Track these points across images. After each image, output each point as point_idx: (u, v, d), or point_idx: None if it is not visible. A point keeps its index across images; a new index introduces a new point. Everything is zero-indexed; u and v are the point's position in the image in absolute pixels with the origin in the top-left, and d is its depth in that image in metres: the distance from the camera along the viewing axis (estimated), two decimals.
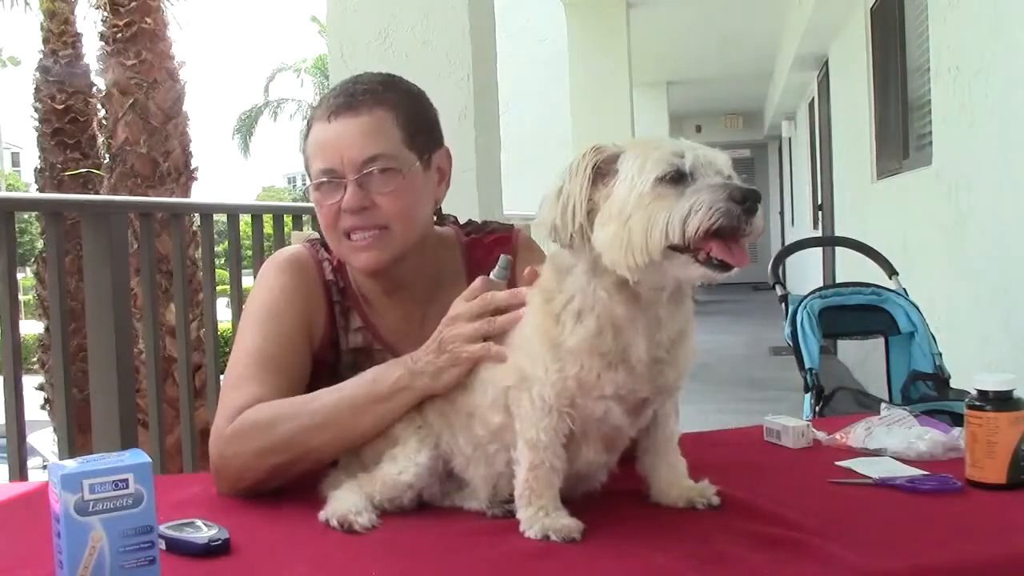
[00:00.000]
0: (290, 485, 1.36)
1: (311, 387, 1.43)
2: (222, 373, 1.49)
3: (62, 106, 8.54)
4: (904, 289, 3.09)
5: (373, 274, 1.50)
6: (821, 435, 1.59)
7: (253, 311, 1.49)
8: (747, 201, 1.08)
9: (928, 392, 2.79)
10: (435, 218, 1.61)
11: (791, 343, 2.95)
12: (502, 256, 1.38)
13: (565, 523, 1.16)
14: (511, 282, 1.37)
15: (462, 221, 1.69)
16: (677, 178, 1.11)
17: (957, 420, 1.50)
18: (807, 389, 2.86)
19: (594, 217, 1.14)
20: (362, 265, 1.47)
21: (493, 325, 1.27)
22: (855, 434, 1.55)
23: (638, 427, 1.25)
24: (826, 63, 8.93)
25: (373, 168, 1.43)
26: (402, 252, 1.48)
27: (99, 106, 7.79)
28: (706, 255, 1.09)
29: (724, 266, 1.10)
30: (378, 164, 1.44)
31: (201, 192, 8.51)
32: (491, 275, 1.35)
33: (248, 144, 28.84)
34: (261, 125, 28.96)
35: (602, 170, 1.16)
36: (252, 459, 1.33)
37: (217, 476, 1.37)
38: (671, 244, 1.09)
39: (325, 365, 1.50)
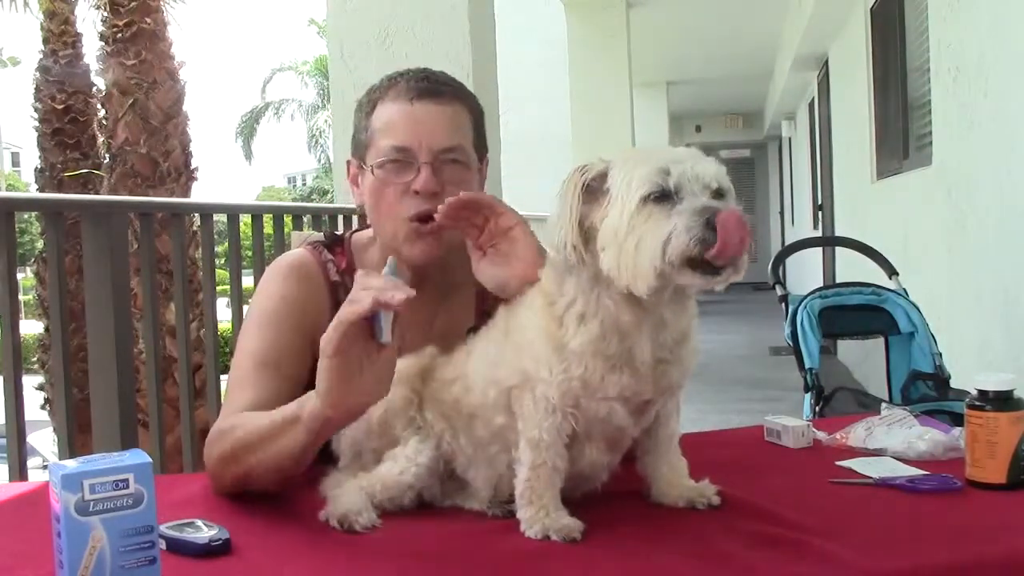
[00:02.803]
0: (289, 485, 1.36)
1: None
2: (222, 373, 1.50)
3: (62, 106, 8.53)
4: (904, 289, 3.10)
5: (421, 266, 1.50)
6: (821, 435, 1.59)
7: (254, 316, 1.50)
8: None
9: (928, 392, 2.79)
10: None
11: (791, 343, 2.95)
12: (390, 258, 1.26)
13: (566, 523, 1.16)
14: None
15: None
16: (662, 197, 1.11)
17: (957, 420, 1.50)
18: (807, 389, 2.86)
19: (594, 234, 1.15)
20: (418, 254, 1.48)
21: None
22: (855, 434, 1.54)
23: (641, 427, 1.25)
24: (826, 63, 8.93)
25: (448, 157, 1.46)
26: (447, 249, 1.49)
27: (99, 106, 7.79)
28: (701, 262, 1.09)
29: (717, 270, 1.09)
30: (453, 155, 1.47)
31: (201, 192, 8.51)
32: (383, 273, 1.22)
33: (250, 147, 28.89)
34: (262, 125, 29.02)
35: (593, 187, 1.16)
36: (218, 466, 1.34)
37: (209, 478, 1.39)
38: (658, 268, 1.09)
39: None
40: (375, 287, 1.12)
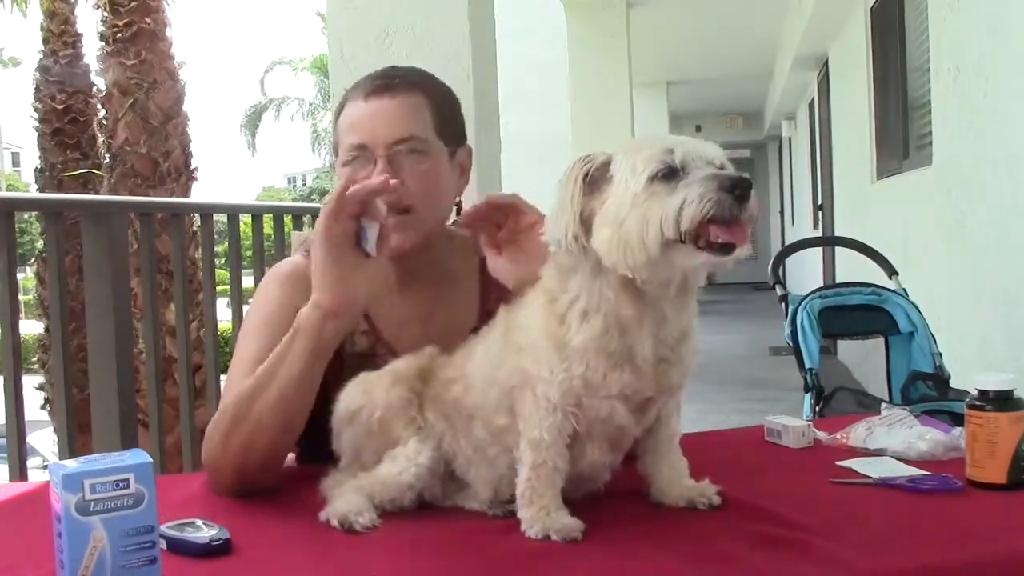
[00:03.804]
0: (289, 485, 1.36)
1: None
2: (222, 373, 1.51)
3: (62, 106, 8.54)
4: (904, 289, 3.10)
5: (396, 257, 1.51)
6: (821, 435, 1.59)
7: (251, 322, 1.52)
8: (736, 189, 1.08)
9: (928, 392, 2.80)
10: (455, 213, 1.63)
11: (791, 343, 2.95)
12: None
13: (566, 523, 1.16)
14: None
15: None
16: (669, 174, 1.11)
17: (957, 420, 1.50)
18: (807, 389, 2.86)
19: (592, 223, 1.15)
20: (394, 245, 1.48)
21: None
22: (855, 434, 1.54)
23: (642, 427, 1.25)
24: (826, 63, 8.93)
25: (403, 148, 1.48)
26: (424, 237, 1.50)
27: (99, 106, 7.79)
28: (707, 241, 1.09)
29: (726, 248, 1.10)
30: (409, 144, 1.48)
31: (204, 191, 8.53)
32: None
33: (254, 141, 28.93)
34: (264, 124, 29.04)
35: (595, 178, 1.16)
36: (221, 445, 1.34)
37: (208, 476, 1.40)
38: (668, 239, 1.09)
39: (329, 371, 1.50)
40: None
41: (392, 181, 1.31)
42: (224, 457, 1.34)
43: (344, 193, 1.28)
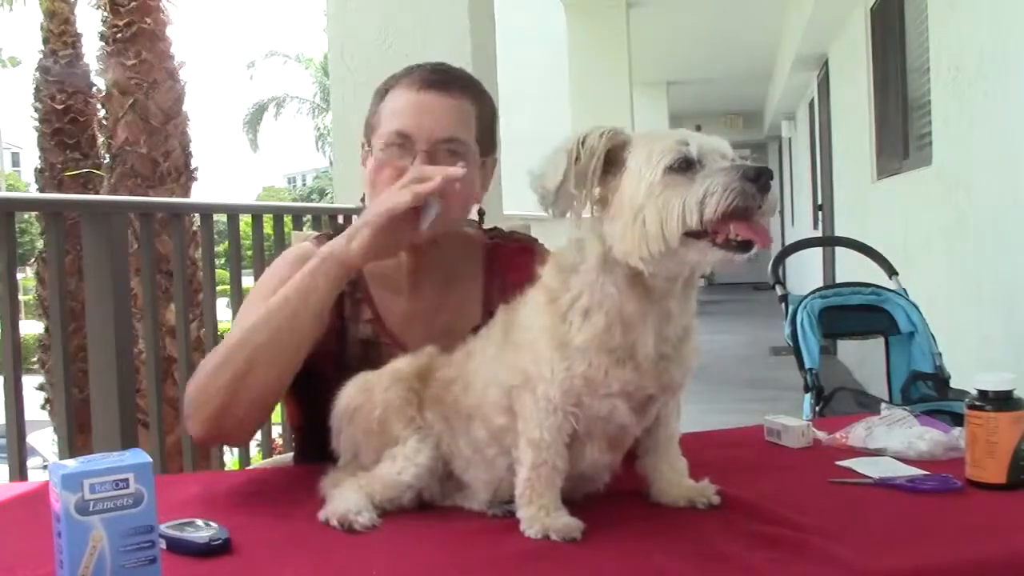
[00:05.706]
0: (289, 484, 1.36)
1: (316, 378, 1.44)
2: None
3: (62, 106, 8.53)
4: (904, 289, 3.10)
5: (407, 253, 1.53)
6: (821, 435, 1.59)
7: (253, 296, 1.56)
8: (760, 178, 1.08)
9: (928, 392, 2.80)
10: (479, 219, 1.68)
11: (791, 343, 2.96)
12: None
13: (565, 522, 1.15)
14: None
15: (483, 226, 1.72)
16: (686, 165, 1.11)
17: (957, 420, 1.50)
18: (807, 389, 2.87)
19: (599, 205, 1.14)
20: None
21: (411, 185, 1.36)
22: (855, 434, 1.54)
23: (643, 426, 1.25)
24: (826, 63, 8.93)
25: (447, 148, 1.50)
26: (441, 233, 1.51)
27: (99, 106, 7.79)
28: (724, 238, 1.09)
29: (744, 246, 1.09)
30: (450, 146, 1.51)
31: (204, 191, 8.53)
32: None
33: (256, 139, 28.91)
34: (264, 123, 28.98)
35: (611, 156, 1.15)
36: (207, 383, 1.37)
37: (187, 420, 1.41)
38: (688, 230, 1.09)
39: (330, 355, 1.51)
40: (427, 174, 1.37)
41: (458, 173, 1.38)
42: (209, 392, 1.37)
43: (451, 180, 1.36)
